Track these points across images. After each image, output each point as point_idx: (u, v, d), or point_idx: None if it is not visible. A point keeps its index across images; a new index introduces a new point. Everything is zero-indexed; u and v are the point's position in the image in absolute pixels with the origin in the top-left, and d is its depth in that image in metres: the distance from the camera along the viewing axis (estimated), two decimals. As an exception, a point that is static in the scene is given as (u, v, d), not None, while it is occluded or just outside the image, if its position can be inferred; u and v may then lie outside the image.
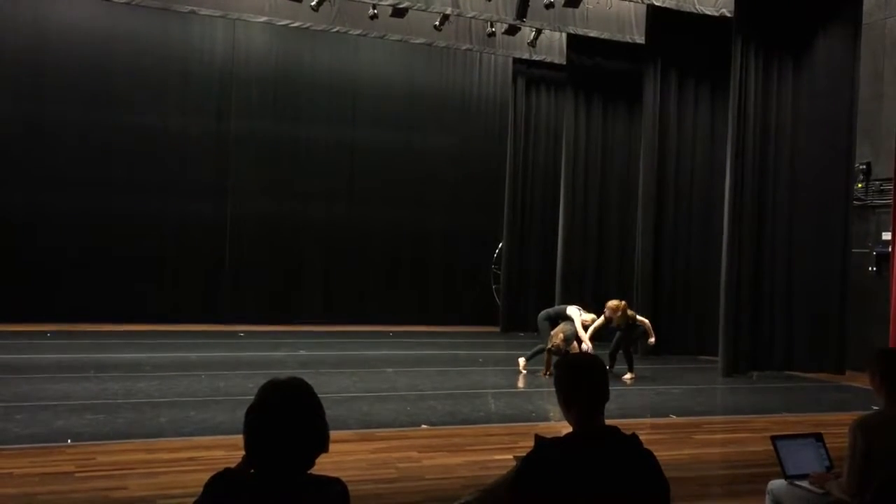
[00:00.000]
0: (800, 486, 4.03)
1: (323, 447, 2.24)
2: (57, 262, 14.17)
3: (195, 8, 12.72)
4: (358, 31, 13.79)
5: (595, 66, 14.67)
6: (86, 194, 14.45)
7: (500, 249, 16.50)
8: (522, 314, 15.92)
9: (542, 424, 7.69)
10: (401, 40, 14.38)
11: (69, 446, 6.21)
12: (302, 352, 12.16)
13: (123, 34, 14.64)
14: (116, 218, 14.58)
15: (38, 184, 14.11)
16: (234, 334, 13.73)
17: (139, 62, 14.74)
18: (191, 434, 6.78)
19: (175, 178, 15.04)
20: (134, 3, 12.24)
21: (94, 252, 14.42)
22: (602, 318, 10.82)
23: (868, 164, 12.43)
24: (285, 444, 2.18)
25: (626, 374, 10.73)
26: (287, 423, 2.19)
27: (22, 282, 13.86)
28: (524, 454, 2.60)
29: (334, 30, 13.68)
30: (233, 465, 2.35)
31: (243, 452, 2.27)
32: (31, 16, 14.12)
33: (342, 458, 5.79)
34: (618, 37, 13.75)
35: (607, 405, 2.70)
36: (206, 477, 2.26)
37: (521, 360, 10.89)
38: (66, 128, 14.34)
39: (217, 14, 13.09)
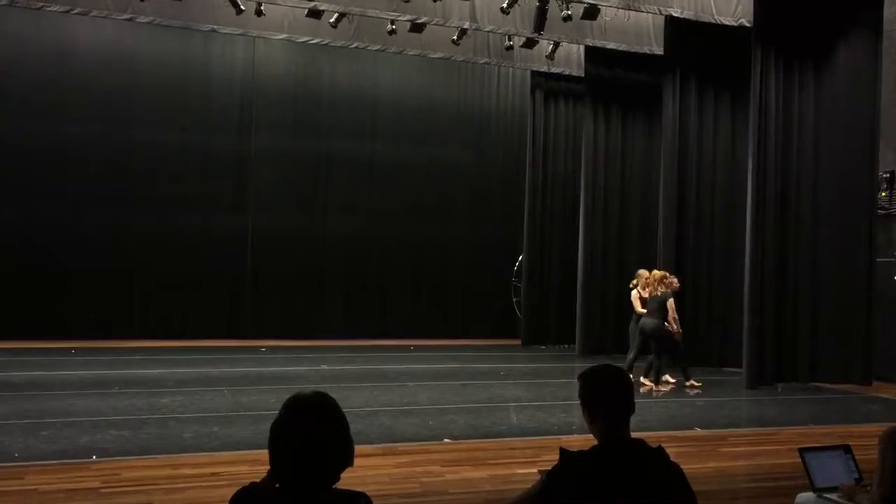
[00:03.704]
0: (829, 499, 3.98)
1: (348, 462, 2.24)
2: (80, 279, 14.30)
3: (216, 26, 12.86)
4: (376, 47, 13.87)
5: (613, 77, 14.66)
6: (108, 212, 14.60)
7: (521, 262, 16.47)
8: (543, 327, 15.88)
9: (564, 437, 7.64)
10: (419, 55, 14.45)
11: (94, 462, 6.25)
12: (324, 366, 12.18)
13: (145, 52, 14.84)
14: (139, 235, 14.73)
15: (60, 202, 14.29)
16: (256, 349, 13.78)
17: (161, 80, 14.92)
18: (215, 449, 6.80)
19: (197, 194, 15.18)
20: (155, 22, 12.40)
21: (117, 268, 14.55)
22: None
23: (892, 173, 12.30)
24: (310, 459, 2.18)
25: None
26: (312, 437, 2.19)
27: (46, 299, 14.00)
28: (549, 468, 2.59)
29: (353, 46, 13.78)
30: (257, 480, 2.36)
31: (267, 467, 2.28)
32: (54, 35, 14.33)
33: (365, 472, 5.78)
34: (636, 48, 13.72)
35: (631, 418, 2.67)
36: (230, 492, 2.27)
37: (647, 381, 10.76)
38: (89, 146, 14.51)
39: (237, 32, 13.22)
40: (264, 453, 2.27)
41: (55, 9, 11.84)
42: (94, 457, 6.39)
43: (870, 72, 11.65)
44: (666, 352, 10.76)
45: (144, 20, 12.29)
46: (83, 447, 6.70)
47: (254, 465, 5.65)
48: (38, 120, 14.23)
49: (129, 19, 12.30)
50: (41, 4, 11.67)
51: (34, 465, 6.08)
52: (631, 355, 10.94)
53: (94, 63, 14.62)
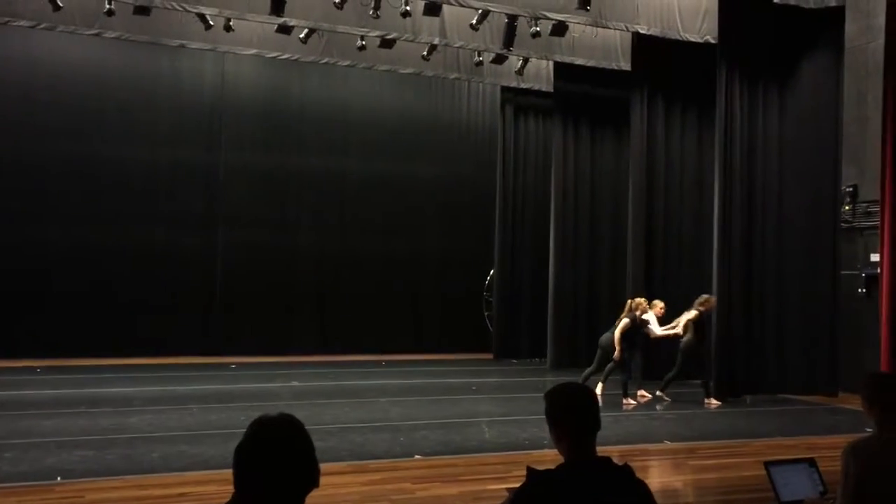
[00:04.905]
0: (794, 512, 4.02)
1: (313, 483, 2.24)
2: (46, 296, 14.10)
3: (185, 42, 12.82)
4: (347, 62, 13.90)
5: (582, 93, 14.79)
6: (76, 228, 14.43)
7: (492, 276, 16.51)
8: (515, 341, 15.92)
9: (535, 453, 7.64)
10: (389, 70, 14.51)
11: (59, 484, 6.15)
12: (295, 383, 12.10)
13: (114, 68, 14.73)
14: (107, 251, 14.55)
15: (27, 218, 14.10)
16: (226, 366, 13.65)
17: (130, 96, 14.81)
18: (183, 469, 6.72)
19: (166, 210, 15.05)
20: (123, 37, 12.33)
21: (85, 285, 14.35)
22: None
23: (854, 187, 12.53)
24: (275, 481, 2.17)
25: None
26: (277, 459, 2.18)
27: (10, 317, 13.78)
28: (517, 486, 2.59)
29: (323, 61, 13.80)
30: (224, 502, 2.34)
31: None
32: (21, 51, 14.17)
33: (335, 490, 5.74)
34: (604, 64, 13.89)
35: (601, 432, 2.69)
36: (196, 515, 2.25)
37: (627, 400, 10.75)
38: (56, 162, 14.34)
39: (206, 48, 13.19)
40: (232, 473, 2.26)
41: (21, 24, 11.74)
42: (59, 478, 6.29)
43: (832, 87, 11.89)
44: (618, 367, 10.82)
45: (112, 35, 12.23)
46: (48, 468, 6.59)
47: (222, 485, 5.59)
48: (3, 136, 14.03)
49: (97, 34, 12.25)
50: (6, 19, 11.57)
51: (-3, 488, 5.97)
52: (603, 367, 11.05)
53: (62, 79, 14.48)
